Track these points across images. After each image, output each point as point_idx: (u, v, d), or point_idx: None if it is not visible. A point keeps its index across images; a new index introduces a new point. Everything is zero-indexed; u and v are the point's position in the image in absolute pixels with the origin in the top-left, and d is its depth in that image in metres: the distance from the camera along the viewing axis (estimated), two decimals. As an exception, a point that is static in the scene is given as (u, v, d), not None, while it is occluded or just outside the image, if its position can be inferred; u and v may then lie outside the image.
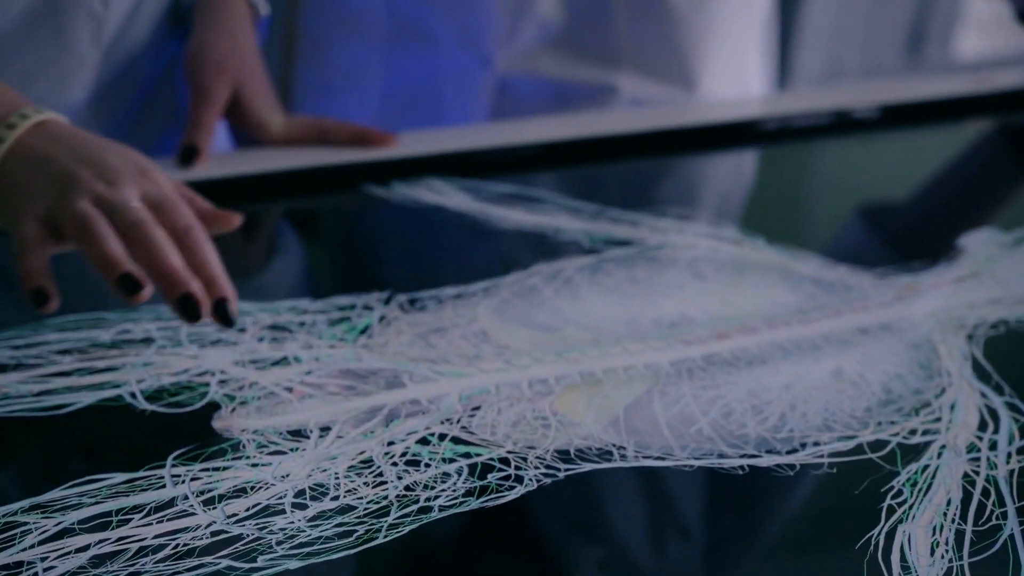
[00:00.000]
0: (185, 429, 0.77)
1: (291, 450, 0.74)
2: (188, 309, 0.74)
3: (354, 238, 1.13)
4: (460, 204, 1.12)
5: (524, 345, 0.88)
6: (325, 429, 0.77)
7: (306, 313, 0.90)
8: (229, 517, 0.68)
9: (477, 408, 0.80)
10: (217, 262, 0.78)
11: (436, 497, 0.71)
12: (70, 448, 0.76)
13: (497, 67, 1.33)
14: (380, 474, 0.73)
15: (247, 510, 0.69)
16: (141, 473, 0.71)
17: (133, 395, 0.79)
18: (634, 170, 1.25)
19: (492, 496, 0.71)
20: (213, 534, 0.67)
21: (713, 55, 1.37)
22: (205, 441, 0.75)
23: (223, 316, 0.76)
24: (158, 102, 1.17)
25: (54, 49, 1.05)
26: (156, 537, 0.66)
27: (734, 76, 1.41)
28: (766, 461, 0.76)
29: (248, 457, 0.74)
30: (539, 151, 1.23)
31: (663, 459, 0.76)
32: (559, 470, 0.74)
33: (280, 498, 0.70)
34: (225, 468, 0.73)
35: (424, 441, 0.76)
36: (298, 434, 0.76)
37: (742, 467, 0.76)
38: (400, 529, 0.68)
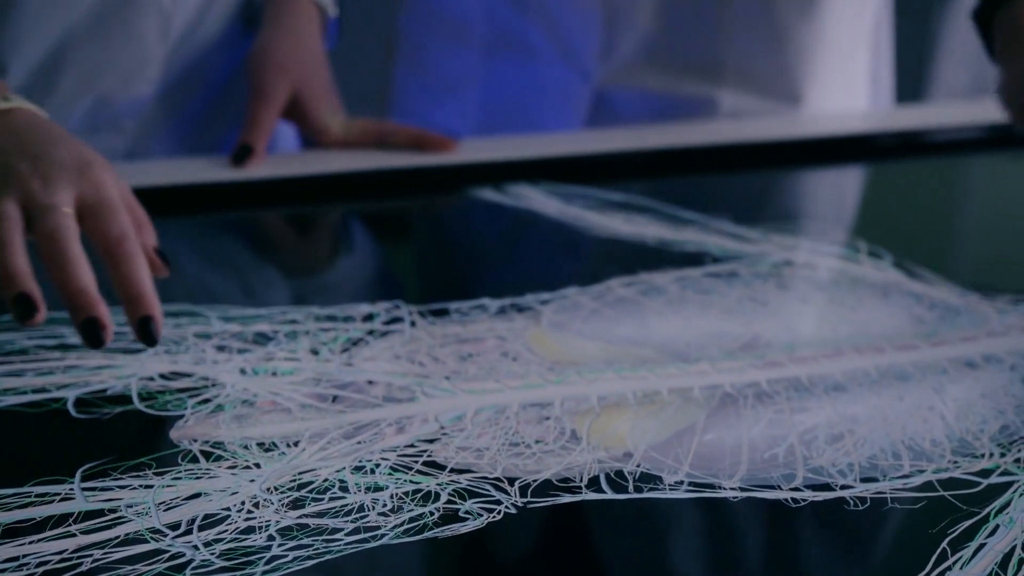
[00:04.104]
0: (135, 437, 0.72)
1: (246, 464, 0.68)
2: (90, 334, 0.70)
3: (429, 242, 1.10)
4: (544, 210, 1.05)
5: (579, 358, 0.80)
6: (291, 444, 0.70)
7: (295, 323, 0.84)
8: (159, 532, 0.62)
9: (461, 430, 0.72)
10: (145, 277, 0.73)
11: (391, 525, 0.63)
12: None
13: (595, 80, 1.27)
14: (334, 495, 0.65)
15: (187, 525, 0.62)
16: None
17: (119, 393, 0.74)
18: (743, 183, 1.16)
19: (446, 527, 0.63)
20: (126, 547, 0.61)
21: (820, 68, 1.28)
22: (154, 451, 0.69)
23: (146, 335, 0.72)
24: (227, 102, 1.15)
25: (122, 43, 1.04)
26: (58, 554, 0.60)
27: (841, 89, 1.30)
28: (809, 495, 0.66)
29: (194, 470, 0.67)
30: (641, 159, 1.15)
31: (702, 489, 0.66)
32: (536, 501, 0.65)
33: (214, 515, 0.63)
34: (175, 480, 0.66)
35: (394, 464, 0.68)
36: (262, 447, 0.69)
37: (792, 499, 0.65)
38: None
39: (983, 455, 0.70)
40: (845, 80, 1.31)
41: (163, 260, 0.78)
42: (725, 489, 0.66)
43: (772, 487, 0.67)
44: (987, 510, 0.64)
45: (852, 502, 0.66)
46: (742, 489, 0.66)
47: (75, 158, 0.76)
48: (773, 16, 1.24)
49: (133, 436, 0.72)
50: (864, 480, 0.67)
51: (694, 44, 1.25)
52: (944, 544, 0.61)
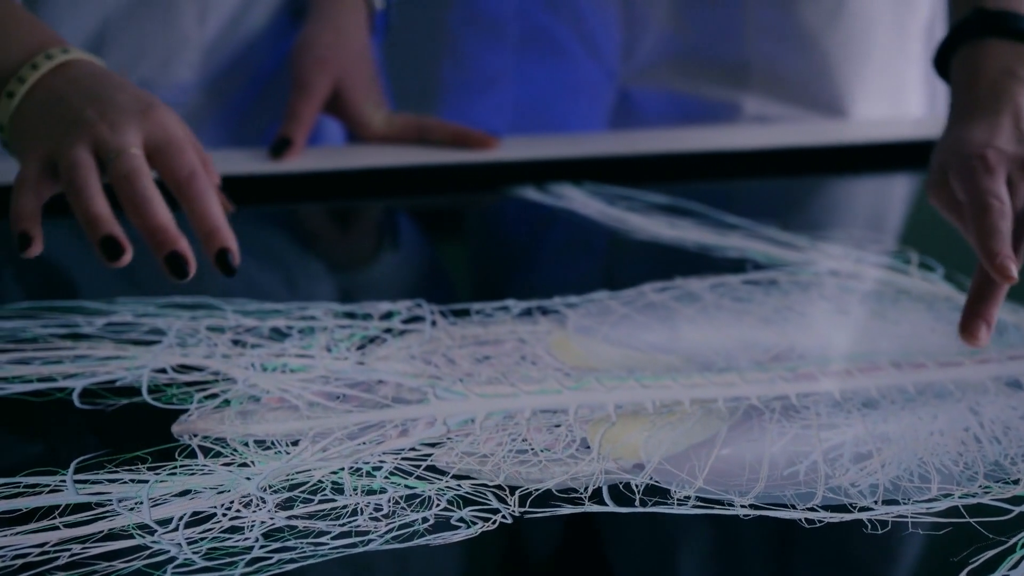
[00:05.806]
0: (137, 430, 0.70)
1: (243, 462, 0.66)
2: (176, 267, 0.71)
3: (465, 240, 1.09)
4: (586, 211, 1.03)
5: (601, 364, 0.77)
6: (292, 443, 0.68)
7: (313, 319, 0.82)
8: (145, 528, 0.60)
9: (467, 435, 0.69)
10: (218, 212, 0.73)
11: (381, 530, 0.60)
12: None
13: (619, 80, 1.24)
14: (326, 497, 0.63)
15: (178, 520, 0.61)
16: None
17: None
18: (791, 188, 1.13)
19: (437, 534, 0.60)
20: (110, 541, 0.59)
21: (860, 76, 1.21)
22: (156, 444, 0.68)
23: (225, 266, 0.72)
24: (274, 94, 1.14)
25: (159, 28, 1.06)
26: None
27: (890, 96, 1.25)
28: (825, 516, 0.63)
29: (190, 466, 0.65)
30: (688, 162, 1.12)
31: (711, 506, 0.63)
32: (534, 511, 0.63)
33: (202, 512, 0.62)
34: (170, 475, 0.64)
35: (393, 468, 0.66)
36: (262, 445, 0.68)
37: (807, 520, 0.62)
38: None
39: (1017, 481, 0.67)
40: (894, 86, 1.26)
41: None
42: (736, 507, 0.63)
43: (785, 506, 0.63)
44: (1014, 540, 0.61)
45: (871, 525, 0.62)
46: (754, 507, 0.63)
47: (138, 101, 0.76)
48: (798, 21, 1.19)
49: (135, 429, 0.71)
50: (887, 502, 0.64)
51: (716, 47, 1.21)
52: (963, 574, 0.58)
